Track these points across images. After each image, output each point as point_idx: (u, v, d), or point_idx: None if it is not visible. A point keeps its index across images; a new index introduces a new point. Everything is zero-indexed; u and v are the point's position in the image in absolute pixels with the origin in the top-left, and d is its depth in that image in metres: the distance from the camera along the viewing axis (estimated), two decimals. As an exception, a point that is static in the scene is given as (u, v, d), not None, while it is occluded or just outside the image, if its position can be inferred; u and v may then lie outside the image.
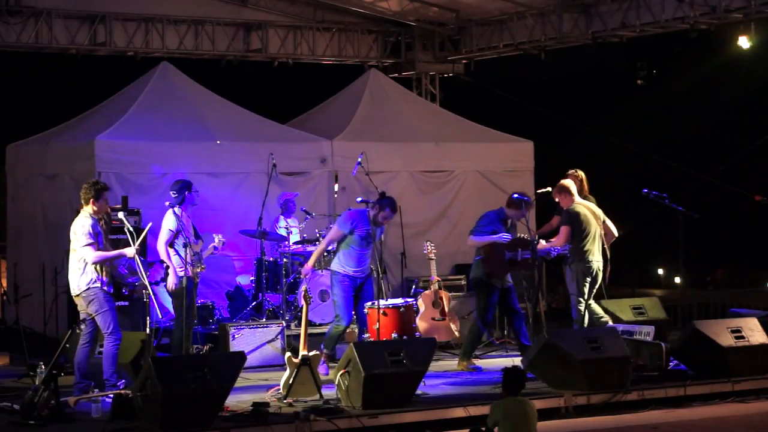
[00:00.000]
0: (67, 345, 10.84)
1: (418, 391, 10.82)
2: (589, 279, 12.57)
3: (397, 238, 14.81)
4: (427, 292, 13.81)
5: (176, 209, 11.81)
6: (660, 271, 23.44)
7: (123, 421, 9.90)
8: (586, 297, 12.57)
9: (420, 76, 19.39)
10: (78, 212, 11.07)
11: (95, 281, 10.80)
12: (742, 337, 11.87)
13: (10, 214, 16.03)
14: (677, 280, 22.21)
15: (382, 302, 12.58)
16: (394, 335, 12.72)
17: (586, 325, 12.59)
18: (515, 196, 12.74)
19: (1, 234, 16.53)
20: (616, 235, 12.96)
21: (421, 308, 13.67)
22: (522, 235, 12.81)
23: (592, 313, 12.70)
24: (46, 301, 14.33)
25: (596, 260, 12.61)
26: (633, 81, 26.08)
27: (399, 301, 13.21)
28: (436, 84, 19.46)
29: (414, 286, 14.61)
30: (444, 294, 13.69)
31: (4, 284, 15.85)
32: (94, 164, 13.93)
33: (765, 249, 21.98)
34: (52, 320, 14.25)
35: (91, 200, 10.89)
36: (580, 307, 12.58)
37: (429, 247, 13.82)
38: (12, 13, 16.24)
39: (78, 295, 10.88)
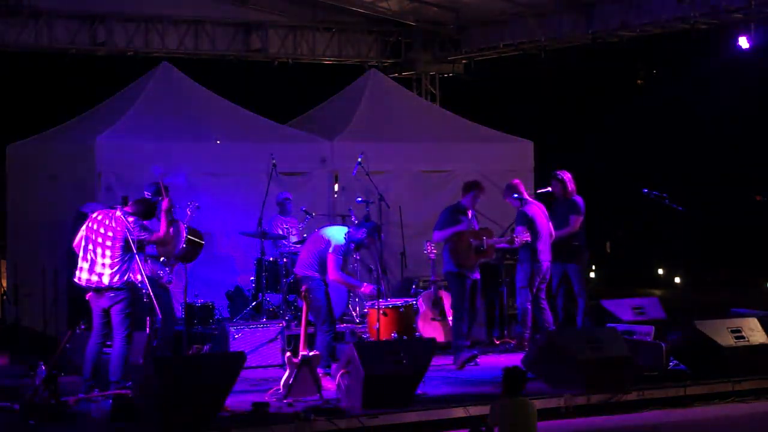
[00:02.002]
0: (68, 345, 10.84)
1: (418, 391, 10.82)
2: (538, 278, 13.08)
3: (397, 238, 14.82)
4: (427, 292, 13.82)
5: None
6: (660, 271, 23.41)
7: (123, 421, 9.91)
8: (532, 296, 13.10)
9: (420, 76, 19.40)
10: (78, 211, 11.11)
11: (133, 280, 10.84)
12: (742, 337, 11.88)
13: (10, 215, 16.02)
14: (677, 280, 22.20)
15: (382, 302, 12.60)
16: (393, 335, 12.73)
17: (529, 324, 13.17)
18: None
19: (1, 234, 16.53)
20: (554, 236, 13.40)
21: (421, 308, 13.69)
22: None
23: (540, 313, 13.16)
24: (46, 301, 14.32)
25: (546, 260, 13.14)
26: (633, 81, 26.06)
27: (399, 301, 13.21)
28: (436, 84, 19.47)
29: (414, 286, 14.61)
30: (444, 294, 13.70)
31: (4, 284, 15.86)
32: (94, 164, 13.93)
33: (765, 249, 21.96)
34: (52, 320, 14.25)
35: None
36: (527, 305, 13.12)
37: (429, 247, 13.83)
38: (12, 13, 16.26)
39: (106, 288, 10.83)
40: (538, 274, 13.13)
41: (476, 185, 12.85)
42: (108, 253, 10.84)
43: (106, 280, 10.84)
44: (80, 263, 10.96)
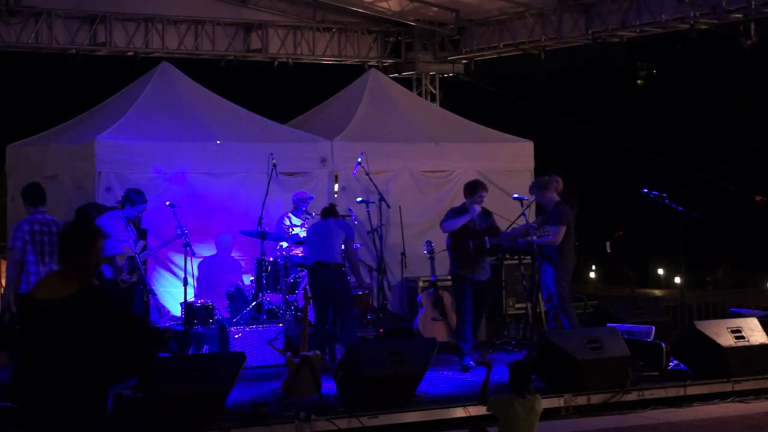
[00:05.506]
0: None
1: (418, 391, 10.82)
2: (568, 278, 12.87)
3: (397, 238, 14.80)
4: (427, 292, 13.82)
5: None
6: (660, 271, 23.44)
7: (122, 421, 9.90)
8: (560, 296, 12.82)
9: (420, 76, 19.39)
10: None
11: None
12: (742, 337, 11.88)
13: (10, 214, 16.01)
14: (677, 280, 22.22)
15: None
16: None
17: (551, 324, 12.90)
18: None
19: (1, 234, 16.51)
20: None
21: (422, 308, 13.69)
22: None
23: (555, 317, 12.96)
24: (46, 301, 14.29)
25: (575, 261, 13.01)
26: (633, 81, 26.11)
27: None
28: (436, 84, 19.47)
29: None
30: (444, 294, 13.69)
31: (4, 284, 15.84)
32: (94, 164, 13.92)
33: (765, 249, 21.98)
34: (52, 320, 14.23)
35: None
36: (566, 307, 12.74)
37: (429, 247, 13.83)
38: (12, 13, 16.25)
39: None
40: (569, 275, 12.82)
41: (477, 185, 12.74)
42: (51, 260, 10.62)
43: None
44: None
